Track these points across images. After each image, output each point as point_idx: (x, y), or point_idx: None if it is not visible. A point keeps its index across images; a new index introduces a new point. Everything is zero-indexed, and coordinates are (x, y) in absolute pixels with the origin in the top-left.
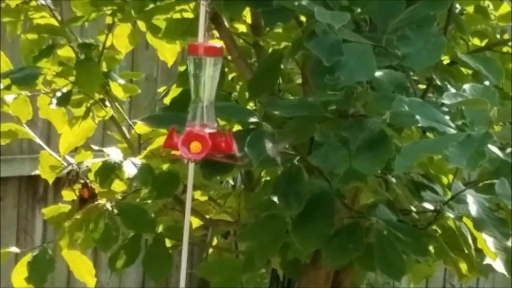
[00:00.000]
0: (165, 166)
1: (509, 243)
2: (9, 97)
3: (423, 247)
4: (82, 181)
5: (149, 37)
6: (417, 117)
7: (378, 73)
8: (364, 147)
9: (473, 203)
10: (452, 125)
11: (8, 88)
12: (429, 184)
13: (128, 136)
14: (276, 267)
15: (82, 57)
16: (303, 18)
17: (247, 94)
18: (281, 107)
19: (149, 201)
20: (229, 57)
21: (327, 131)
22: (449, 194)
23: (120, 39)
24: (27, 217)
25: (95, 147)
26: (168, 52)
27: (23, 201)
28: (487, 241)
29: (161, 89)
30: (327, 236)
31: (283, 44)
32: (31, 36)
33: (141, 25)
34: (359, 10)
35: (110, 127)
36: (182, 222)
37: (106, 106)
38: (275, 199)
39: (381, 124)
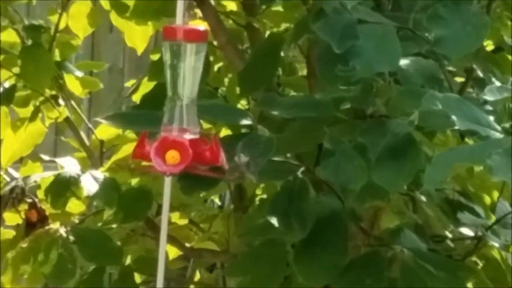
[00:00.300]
0: (134, 181)
1: None
2: None
3: (460, 282)
4: (29, 200)
5: (114, 17)
6: (453, 117)
7: (403, 62)
8: (386, 156)
9: None
10: (497, 127)
11: None
12: (468, 203)
13: (87, 142)
14: None
15: (29, 42)
16: None
17: (237, 90)
18: (281, 105)
19: (114, 226)
20: (215, 43)
21: (339, 136)
22: (493, 217)
23: (77, 20)
24: None
25: (46, 157)
26: (137, 36)
27: None
28: None
29: (129, 83)
30: (339, 269)
31: (283, 26)
32: None
33: (104, 2)
34: None
35: (65, 132)
36: (156, 252)
37: (59, 105)
38: (274, 221)
39: (408, 127)
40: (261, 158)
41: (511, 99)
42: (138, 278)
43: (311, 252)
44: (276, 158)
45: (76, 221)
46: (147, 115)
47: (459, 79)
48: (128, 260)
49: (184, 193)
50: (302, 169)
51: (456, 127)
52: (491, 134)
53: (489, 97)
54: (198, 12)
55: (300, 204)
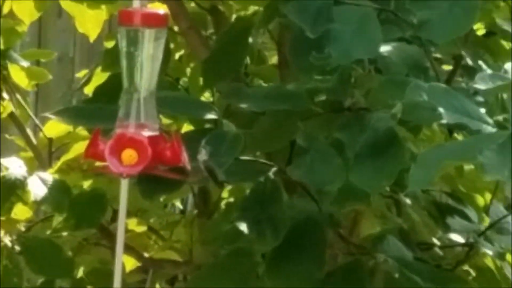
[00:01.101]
0: (87, 184)
1: None
2: None
3: None
4: None
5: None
6: (440, 110)
7: (384, 49)
8: (365, 154)
9: None
10: (490, 120)
11: None
12: (458, 206)
13: (34, 141)
14: None
15: None
16: None
17: (201, 80)
18: (250, 98)
19: (64, 234)
20: (176, 28)
21: (314, 132)
22: (487, 221)
23: (22, 4)
24: None
25: None
26: (90, 21)
27: None
28: None
29: (80, 74)
30: (316, 281)
31: (252, 9)
32: None
33: None
34: None
35: (9, 129)
36: (111, 263)
37: (2, 99)
38: (243, 228)
39: (390, 121)
40: (227, 157)
41: (504, 88)
42: None
43: (284, 262)
44: (244, 157)
45: (23, 228)
46: (101, 109)
47: (447, 67)
48: (80, 273)
49: (143, 197)
50: (273, 169)
51: (444, 121)
52: (483, 128)
53: (480, 87)
54: None
55: (272, 209)
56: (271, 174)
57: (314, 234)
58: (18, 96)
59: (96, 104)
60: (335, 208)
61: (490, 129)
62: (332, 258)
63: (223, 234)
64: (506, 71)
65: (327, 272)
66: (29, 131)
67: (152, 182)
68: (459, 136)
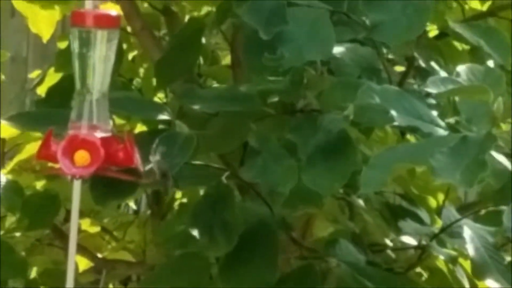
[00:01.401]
0: (39, 185)
1: None
2: None
3: None
4: None
5: None
6: (393, 112)
7: (337, 50)
8: (318, 156)
9: (471, 239)
10: (442, 123)
11: None
12: (411, 208)
13: None
14: None
15: None
16: None
17: (154, 81)
18: (203, 99)
19: (17, 234)
20: (129, 29)
21: (267, 133)
22: (439, 223)
23: None
24: None
25: None
26: (43, 22)
27: None
28: None
29: (33, 75)
30: (268, 284)
31: (205, 9)
32: None
33: None
34: None
35: None
36: (64, 264)
37: None
38: (195, 233)
39: (342, 123)
40: (180, 158)
41: (455, 92)
42: None
43: (237, 266)
44: (198, 161)
45: None
46: (53, 114)
47: (399, 69)
48: (33, 273)
49: (97, 203)
50: (226, 172)
51: (396, 123)
52: (434, 130)
53: (432, 89)
54: None
55: (224, 213)
56: (223, 178)
57: (266, 238)
58: None
59: (49, 105)
60: (287, 210)
61: (442, 132)
62: (285, 261)
63: (176, 236)
64: (458, 74)
65: (280, 276)
66: None
67: (105, 188)
68: (411, 138)
